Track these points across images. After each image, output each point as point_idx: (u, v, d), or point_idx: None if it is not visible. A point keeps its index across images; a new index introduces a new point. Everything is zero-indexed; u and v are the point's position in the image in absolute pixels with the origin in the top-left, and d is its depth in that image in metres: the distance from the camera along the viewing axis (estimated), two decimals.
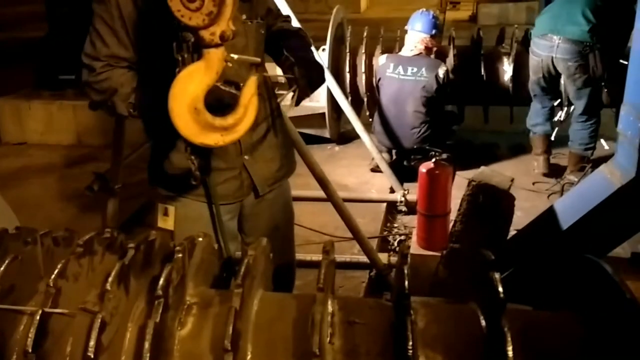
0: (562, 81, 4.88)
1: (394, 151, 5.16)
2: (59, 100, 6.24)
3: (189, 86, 1.43)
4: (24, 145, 6.16)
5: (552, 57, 4.72)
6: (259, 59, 1.73)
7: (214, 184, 2.08)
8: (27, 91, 6.55)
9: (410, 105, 4.94)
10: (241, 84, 1.63)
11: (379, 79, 5.13)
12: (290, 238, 2.53)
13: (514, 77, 5.22)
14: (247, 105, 1.50)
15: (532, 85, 5.08)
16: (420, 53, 5.06)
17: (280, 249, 2.37)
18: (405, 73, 4.97)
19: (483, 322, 1.24)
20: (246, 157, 2.14)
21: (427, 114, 4.93)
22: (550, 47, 4.71)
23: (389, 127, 5.04)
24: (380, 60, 5.19)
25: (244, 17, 1.96)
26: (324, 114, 5.38)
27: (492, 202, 2.61)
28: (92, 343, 1.14)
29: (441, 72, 4.91)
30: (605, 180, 2.45)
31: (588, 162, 4.85)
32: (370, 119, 5.39)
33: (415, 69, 4.95)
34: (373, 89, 5.31)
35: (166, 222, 2.14)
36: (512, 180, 2.79)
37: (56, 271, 1.21)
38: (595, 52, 4.56)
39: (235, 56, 1.49)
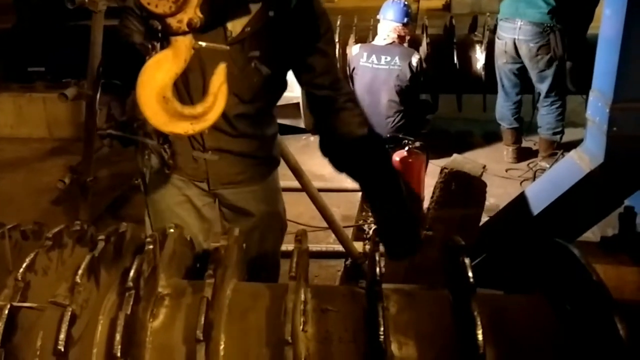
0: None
1: None
2: (29, 92, 6.12)
3: (157, 74, 1.40)
4: None
5: (515, 39, 4.87)
6: (227, 47, 1.70)
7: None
8: None
9: (385, 95, 4.94)
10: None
11: (353, 69, 5.13)
12: (272, 241, 2.34)
13: (487, 65, 5.26)
14: (216, 93, 1.49)
15: (499, 73, 5.14)
16: (393, 42, 5.05)
17: (260, 248, 2.32)
18: (378, 62, 4.98)
19: (454, 308, 1.25)
20: (210, 152, 2.09)
21: (402, 103, 4.94)
22: (513, 30, 4.88)
23: None
24: (354, 49, 5.18)
25: (257, 53, 1.92)
26: (298, 104, 5.36)
27: (464, 189, 2.64)
28: (62, 336, 1.13)
29: (414, 60, 4.92)
30: (575, 165, 2.50)
31: (559, 148, 4.93)
32: None
33: (388, 58, 4.95)
34: (347, 78, 5.30)
35: None
36: (484, 167, 2.82)
37: (24, 265, 1.19)
38: (556, 32, 4.74)
39: (203, 43, 1.47)
